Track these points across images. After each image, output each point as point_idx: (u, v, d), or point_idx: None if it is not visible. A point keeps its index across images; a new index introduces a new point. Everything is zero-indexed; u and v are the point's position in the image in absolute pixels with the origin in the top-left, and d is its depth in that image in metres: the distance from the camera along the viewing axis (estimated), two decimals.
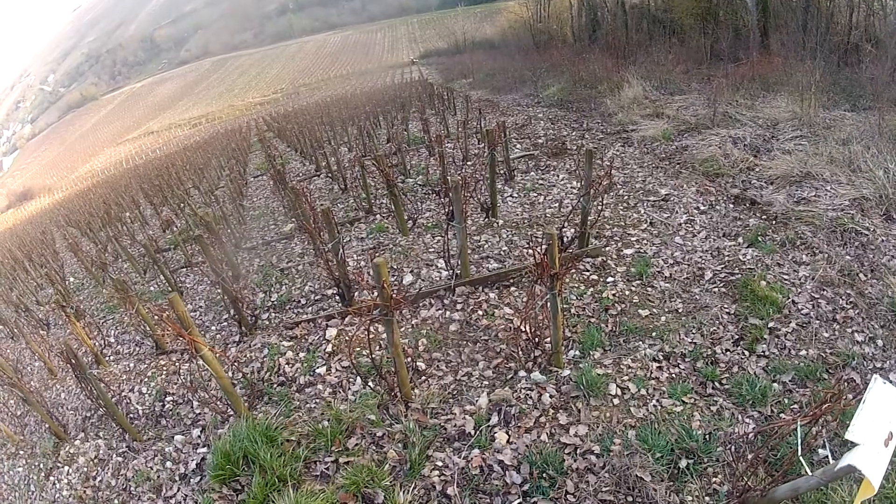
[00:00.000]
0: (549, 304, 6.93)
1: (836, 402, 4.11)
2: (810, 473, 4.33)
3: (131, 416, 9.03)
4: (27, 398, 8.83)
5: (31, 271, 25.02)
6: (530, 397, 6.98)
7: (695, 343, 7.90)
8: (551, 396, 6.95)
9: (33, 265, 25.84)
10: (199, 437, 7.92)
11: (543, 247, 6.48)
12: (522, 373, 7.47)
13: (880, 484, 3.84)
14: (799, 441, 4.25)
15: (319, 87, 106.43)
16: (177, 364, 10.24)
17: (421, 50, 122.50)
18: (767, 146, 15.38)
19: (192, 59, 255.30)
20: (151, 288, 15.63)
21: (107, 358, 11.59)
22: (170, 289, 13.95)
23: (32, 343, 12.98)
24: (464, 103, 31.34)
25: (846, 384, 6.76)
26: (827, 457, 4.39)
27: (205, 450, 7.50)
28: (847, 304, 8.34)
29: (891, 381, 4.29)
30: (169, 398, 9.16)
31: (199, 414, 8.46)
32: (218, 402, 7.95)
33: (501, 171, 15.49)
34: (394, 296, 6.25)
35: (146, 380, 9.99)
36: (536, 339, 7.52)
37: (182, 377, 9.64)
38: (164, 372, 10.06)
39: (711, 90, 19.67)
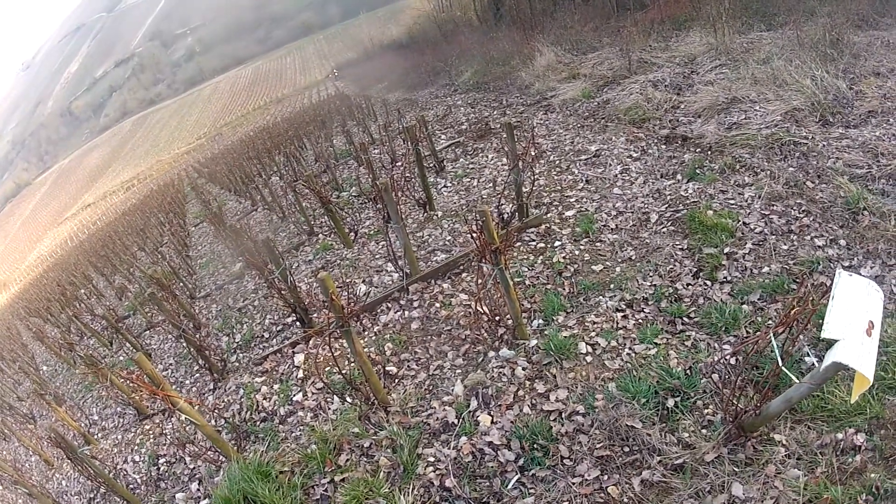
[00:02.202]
0: (499, 279, 6.85)
1: (803, 307, 4.05)
2: (798, 381, 4.27)
3: (131, 486, 8.86)
4: (32, 493, 8.82)
5: (4, 369, 24.57)
6: (504, 374, 6.94)
7: (654, 285, 7.91)
8: (524, 369, 6.92)
9: (5, 362, 25.42)
10: (199, 489, 7.80)
11: (480, 226, 6.39)
12: (491, 353, 7.41)
13: (877, 374, 3.80)
14: (778, 353, 4.21)
15: (241, 124, 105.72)
16: (161, 425, 10.07)
17: (332, 64, 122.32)
18: (689, 82, 15.47)
19: (113, 123, 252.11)
20: (121, 358, 15.37)
21: (94, 436, 11.41)
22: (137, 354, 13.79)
23: (24, 439, 12.82)
24: (383, 107, 31.31)
25: (814, 288, 6.76)
26: (814, 363, 4.34)
27: (207, 501, 7.38)
28: (800, 213, 8.39)
29: (860, 275, 4.22)
30: (162, 460, 8.99)
31: (194, 468, 8.30)
32: (208, 452, 7.84)
33: (431, 165, 15.49)
34: (344, 306, 6.13)
35: (136, 447, 9.82)
36: (497, 318, 7.52)
37: (169, 436, 9.50)
38: (152, 436, 9.90)
39: (623, 41, 19.70)
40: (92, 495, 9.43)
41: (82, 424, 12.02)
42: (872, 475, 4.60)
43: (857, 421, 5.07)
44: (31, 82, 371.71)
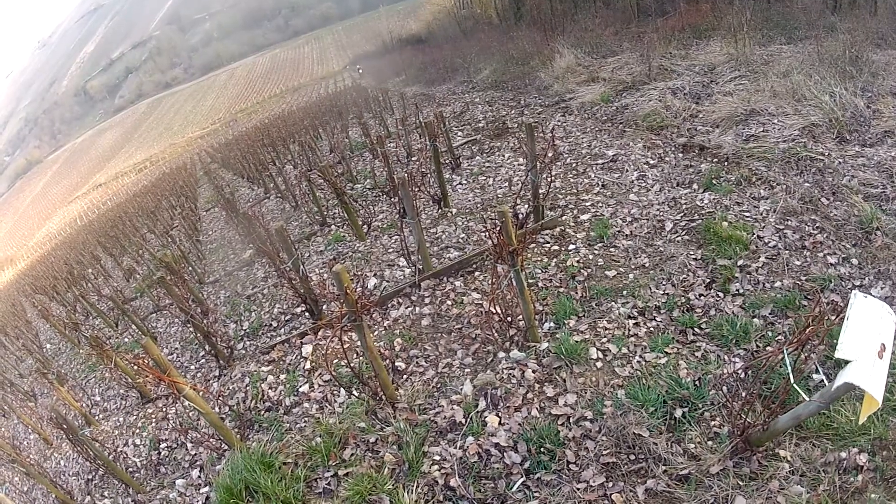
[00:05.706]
0: (513, 281, 6.85)
1: (818, 325, 4.06)
2: (808, 399, 4.29)
3: (131, 469, 8.83)
4: (29, 471, 8.74)
5: (7, 345, 24.59)
6: (514, 376, 6.92)
7: (667, 294, 7.87)
8: (534, 371, 6.90)
9: (9, 338, 25.43)
10: (200, 476, 7.78)
11: (498, 226, 6.39)
12: (501, 354, 7.38)
13: (884, 396, 3.81)
14: (790, 369, 4.21)
15: (256, 111, 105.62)
16: (164, 410, 10.04)
17: (350, 56, 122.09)
18: (708, 91, 15.42)
19: (128, 105, 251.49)
20: (126, 339, 15.36)
21: (96, 417, 11.40)
22: (143, 337, 13.78)
23: (23, 416, 12.77)
24: (400, 101, 31.27)
25: (827, 306, 6.75)
26: (822, 381, 4.35)
27: (207, 489, 7.36)
28: (814, 229, 8.36)
29: (872, 296, 4.23)
30: (163, 445, 8.98)
31: (196, 454, 8.28)
32: (211, 439, 7.81)
33: (447, 161, 15.41)
34: (359, 300, 6.13)
35: (137, 431, 9.82)
36: (509, 319, 7.48)
37: (171, 421, 9.48)
38: (154, 420, 9.88)
39: (643, 46, 19.60)
40: (90, 476, 9.40)
41: (84, 405, 12.03)
42: (873, 496, 4.63)
43: (860, 441, 5.08)
44: (46, 60, 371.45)
